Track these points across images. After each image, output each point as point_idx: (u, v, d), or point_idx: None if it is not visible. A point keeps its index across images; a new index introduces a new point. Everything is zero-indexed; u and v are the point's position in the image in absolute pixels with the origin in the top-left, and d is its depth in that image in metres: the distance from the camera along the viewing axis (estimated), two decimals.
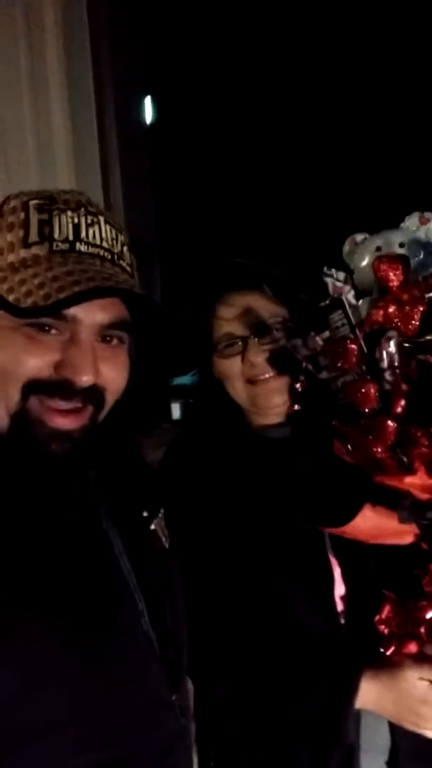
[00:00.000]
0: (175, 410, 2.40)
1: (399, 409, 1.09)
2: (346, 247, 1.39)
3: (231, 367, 1.30)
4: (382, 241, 1.33)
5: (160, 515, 1.09)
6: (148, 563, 1.00)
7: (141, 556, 1.00)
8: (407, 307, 1.15)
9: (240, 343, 1.29)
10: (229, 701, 1.11)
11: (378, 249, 1.33)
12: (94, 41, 2.05)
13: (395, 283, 1.16)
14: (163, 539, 1.08)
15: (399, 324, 1.14)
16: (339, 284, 1.21)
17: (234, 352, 1.29)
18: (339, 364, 1.08)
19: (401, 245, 1.32)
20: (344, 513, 1.10)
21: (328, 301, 1.20)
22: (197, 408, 1.44)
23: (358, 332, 1.15)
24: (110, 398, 0.96)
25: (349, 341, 1.08)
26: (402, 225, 1.35)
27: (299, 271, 1.36)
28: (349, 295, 1.20)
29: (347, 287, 1.20)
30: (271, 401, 1.29)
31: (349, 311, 1.17)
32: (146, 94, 2.63)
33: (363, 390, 1.05)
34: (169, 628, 1.01)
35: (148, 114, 2.78)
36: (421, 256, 1.33)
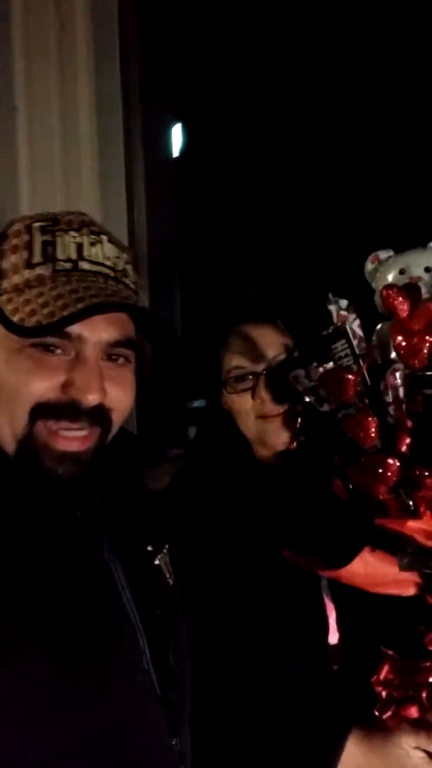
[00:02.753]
0: (192, 434, 2.35)
1: (403, 447, 1.01)
2: (369, 265, 1.31)
3: (241, 402, 1.27)
4: (406, 263, 1.26)
5: (165, 550, 1.05)
6: (151, 599, 0.96)
7: (144, 592, 0.96)
8: (416, 339, 1.07)
9: (251, 377, 1.26)
10: (206, 752, 1.02)
11: (402, 271, 1.25)
12: (124, 65, 2.05)
13: (403, 315, 1.09)
14: (167, 575, 1.04)
15: (406, 356, 1.07)
16: (343, 312, 1.14)
17: (245, 387, 1.26)
18: (337, 396, 1.00)
19: (427, 270, 1.24)
20: (341, 555, 1.02)
21: (330, 330, 1.13)
22: (203, 439, 1.40)
23: (361, 363, 1.08)
24: (117, 418, 0.94)
25: (347, 372, 1.01)
26: (430, 245, 1.27)
27: (310, 297, 1.30)
28: (354, 324, 1.13)
29: (352, 316, 1.13)
30: (281, 437, 1.25)
31: (353, 341, 1.10)
32: (175, 121, 2.63)
33: (362, 424, 0.98)
34: (172, 669, 0.96)
35: (177, 141, 2.78)
36: None
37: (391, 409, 1.03)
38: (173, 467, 1.49)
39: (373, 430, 0.97)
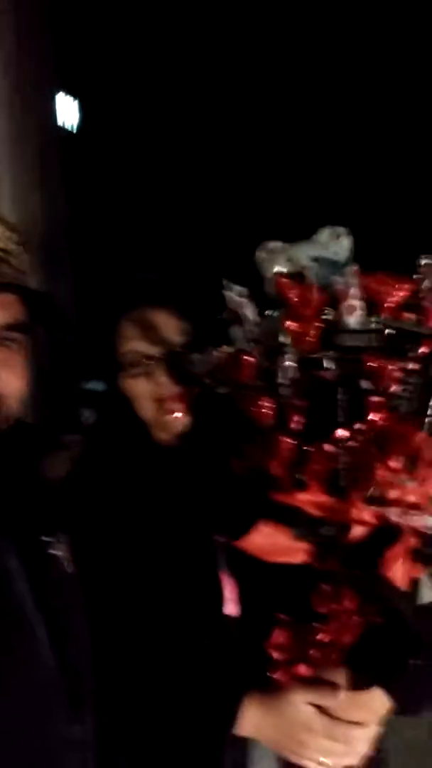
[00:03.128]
0: (86, 417, 2.32)
1: (294, 425, 1.08)
2: (260, 254, 1.37)
3: (138, 386, 1.28)
4: (294, 253, 1.33)
5: (62, 539, 1.04)
6: (47, 589, 0.95)
7: (40, 582, 0.95)
8: (305, 323, 1.14)
9: (147, 361, 1.27)
10: (109, 726, 1.05)
11: (289, 259, 1.32)
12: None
13: (293, 301, 1.15)
14: (65, 563, 1.03)
15: (296, 340, 1.13)
16: (238, 298, 1.19)
17: (140, 371, 1.28)
18: (234, 378, 1.05)
19: (315, 260, 1.32)
20: (240, 525, 1.07)
21: (224, 315, 1.18)
22: (102, 424, 1.41)
23: (255, 347, 1.13)
24: (9, 404, 0.92)
25: (245, 354, 1.06)
26: (314, 237, 1.35)
27: (206, 281, 1.34)
28: (248, 310, 1.18)
29: (245, 301, 1.19)
30: (178, 420, 1.27)
31: (247, 326, 1.15)
32: (70, 96, 2.55)
33: (258, 404, 1.03)
34: (70, 658, 0.96)
35: (73, 117, 2.69)
36: (327, 273, 1.33)
37: (283, 390, 1.10)
38: (70, 454, 1.50)
39: (268, 408, 1.03)
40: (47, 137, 2.20)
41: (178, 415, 1.26)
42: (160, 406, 1.27)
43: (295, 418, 1.07)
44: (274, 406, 1.09)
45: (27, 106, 2.04)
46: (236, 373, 1.06)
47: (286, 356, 1.11)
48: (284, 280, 1.18)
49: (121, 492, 1.26)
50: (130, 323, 1.28)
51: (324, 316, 1.16)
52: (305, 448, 1.06)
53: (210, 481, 1.16)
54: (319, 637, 1.07)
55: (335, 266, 1.31)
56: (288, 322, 1.15)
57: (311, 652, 1.07)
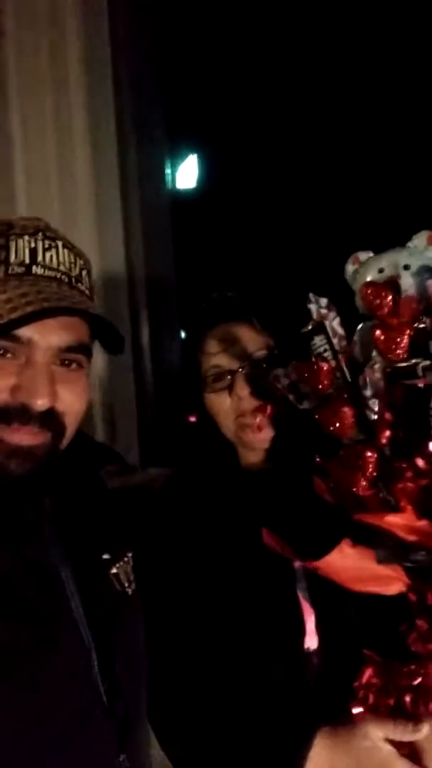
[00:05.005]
0: None
1: (383, 441, 0.99)
2: (349, 267, 1.30)
3: (219, 402, 1.26)
4: (386, 262, 1.25)
5: (125, 559, 1.03)
6: (101, 609, 0.94)
7: (95, 601, 0.94)
8: (394, 333, 1.06)
9: (228, 377, 1.25)
10: (181, 758, 0.97)
11: (380, 271, 1.25)
12: (118, 97, 2.05)
13: (383, 311, 1.08)
14: (126, 584, 1.01)
15: (385, 349, 1.06)
16: (323, 310, 1.13)
17: (222, 386, 1.25)
18: (312, 386, 0.98)
19: (406, 267, 1.24)
20: (320, 544, 0.98)
21: (310, 327, 1.12)
22: (190, 446, 1.37)
23: (340, 358, 1.07)
24: (70, 423, 0.93)
25: (320, 360, 1.00)
26: (409, 244, 1.25)
27: (290, 298, 1.30)
28: (334, 322, 1.12)
29: (332, 314, 1.12)
30: (260, 436, 1.23)
31: (332, 338, 1.09)
32: (186, 153, 2.62)
33: (338, 413, 0.96)
34: (118, 680, 0.92)
35: (193, 173, 2.77)
36: (423, 279, 1.24)
37: (371, 404, 1.02)
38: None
39: (349, 419, 0.95)
40: (156, 195, 2.26)
41: (262, 431, 1.22)
42: (241, 421, 1.23)
43: (384, 432, 0.98)
44: (360, 419, 1.01)
45: (140, 168, 2.12)
46: (315, 380, 0.99)
47: (375, 366, 1.03)
48: (372, 289, 1.11)
49: (203, 516, 1.21)
50: (209, 340, 1.27)
51: (418, 324, 1.08)
52: (396, 464, 0.97)
53: (291, 497, 1.08)
54: (413, 680, 0.94)
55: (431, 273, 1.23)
56: (377, 332, 1.07)
57: (406, 697, 0.95)
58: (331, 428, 0.97)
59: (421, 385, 0.96)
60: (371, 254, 1.25)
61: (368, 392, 1.02)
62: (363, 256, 1.25)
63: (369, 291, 1.11)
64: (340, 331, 1.13)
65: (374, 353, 1.11)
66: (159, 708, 1.04)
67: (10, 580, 0.86)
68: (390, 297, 1.09)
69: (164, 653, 1.05)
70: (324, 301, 1.15)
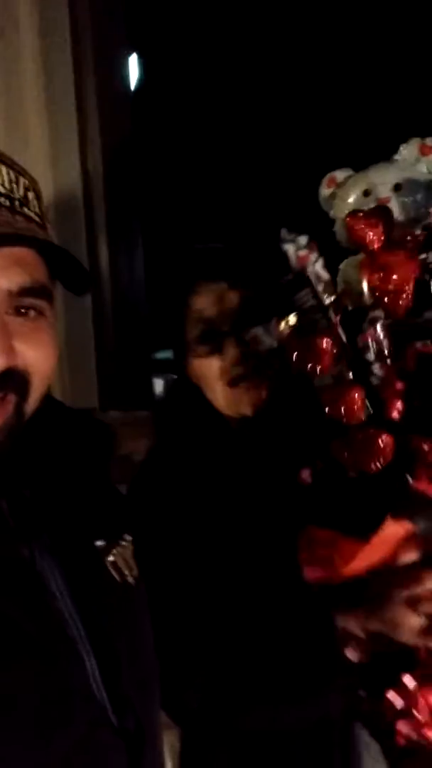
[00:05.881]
0: (158, 386, 2.20)
1: (395, 414, 0.83)
2: (324, 190, 1.09)
3: (208, 366, 1.13)
4: (371, 182, 1.03)
5: (124, 542, 0.88)
6: (97, 606, 0.80)
7: (90, 598, 0.80)
8: (394, 275, 0.87)
9: (215, 339, 1.11)
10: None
11: (366, 193, 1.03)
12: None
13: (374, 246, 0.88)
14: (126, 572, 0.87)
15: (385, 298, 0.87)
16: (302, 252, 0.93)
17: (210, 350, 1.12)
18: (311, 366, 0.81)
19: (397, 188, 1.02)
20: (368, 522, 0.86)
21: (290, 276, 0.93)
22: (172, 415, 1.26)
23: (332, 315, 0.88)
24: (37, 382, 0.77)
25: (319, 336, 0.81)
26: (396, 157, 1.05)
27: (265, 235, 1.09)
28: (317, 265, 0.92)
29: (313, 255, 0.92)
30: (252, 404, 1.10)
31: (318, 287, 0.90)
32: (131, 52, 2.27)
33: (346, 398, 0.79)
34: (126, 690, 0.79)
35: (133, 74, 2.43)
36: (419, 200, 1.03)
37: (375, 369, 0.84)
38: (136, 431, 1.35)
39: (358, 404, 0.78)
40: (117, 93, 1.95)
41: (251, 398, 1.08)
42: (234, 388, 1.11)
43: (396, 404, 0.82)
44: (364, 395, 0.84)
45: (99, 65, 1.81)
46: (315, 360, 0.81)
47: (377, 324, 0.85)
48: (359, 219, 0.91)
49: (196, 485, 1.10)
50: (197, 299, 1.13)
51: (422, 259, 0.89)
52: (415, 442, 0.81)
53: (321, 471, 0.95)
54: None
55: (427, 190, 1.01)
56: (372, 276, 0.88)
57: None
58: (336, 413, 0.80)
59: None
60: (351, 172, 1.03)
61: (371, 356, 0.85)
62: (341, 175, 1.03)
63: (355, 222, 0.91)
64: (325, 275, 0.93)
65: (366, 296, 0.93)
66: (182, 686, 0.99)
67: None
68: (381, 228, 0.89)
69: (180, 634, 0.98)
70: (303, 239, 0.94)
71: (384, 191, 0.97)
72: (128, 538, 0.89)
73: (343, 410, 0.79)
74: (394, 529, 0.87)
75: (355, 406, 0.78)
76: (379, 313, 0.85)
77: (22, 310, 0.74)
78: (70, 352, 1.76)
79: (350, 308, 0.94)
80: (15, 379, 0.74)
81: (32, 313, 0.75)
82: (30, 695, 0.71)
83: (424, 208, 0.95)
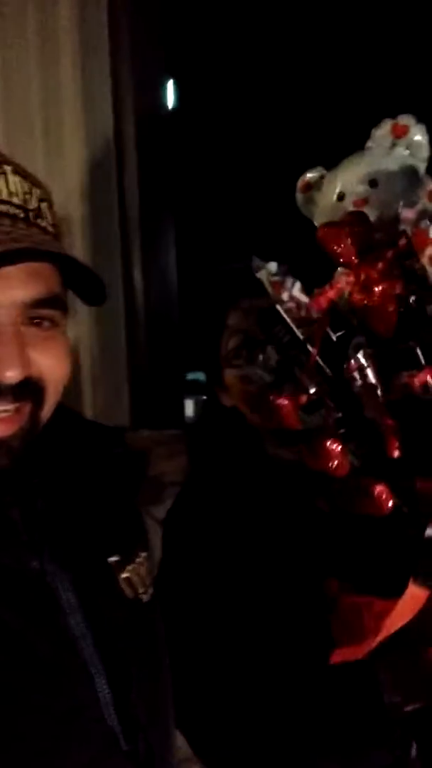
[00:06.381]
0: (189, 408, 2.18)
1: (395, 453, 0.72)
2: (299, 196, 0.99)
3: (240, 384, 1.07)
4: (343, 181, 0.91)
5: (140, 558, 0.85)
6: (110, 624, 0.77)
7: (102, 615, 0.77)
8: (376, 291, 0.76)
9: (255, 349, 1.04)
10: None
11: (340, 197, 0.91)
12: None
13: (349, 260, 0.78)
14: (141, 590, 0.84)
15: (367, 318, 0.76)
16: (275, 278, 0.83)
17: (248, 358, 1.07)
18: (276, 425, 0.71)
19: (372, 183, 0.90)
20: (395, 581, 0.78)
21: (266, 307, 0.84)
22: (207, 441, 1.22)
23: (310, 347, 0.78)
24: (51, 390, 0.77)
25: (274, 395, 0.71)
26: (369, 144, 0.93)
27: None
28: (294, 290, 0.83)
29: (288, 280, 0.83)
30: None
31: (288, 318, 0.80)
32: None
33: (327, 453, 0.69)
34: (137, 713, 0.76)
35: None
36: (400, 190, 0.90)
37: (366, 402, 0.74)
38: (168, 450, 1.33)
39: (341, 458, 0.68)
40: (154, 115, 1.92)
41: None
42: (253, 410, 1.03)
43: (393, 443, 0.72)
44: (354, 425, 0.74)
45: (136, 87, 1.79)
46: (276, 419, 0.72)
47: (359, 352, 0.74)
48: (331, 232, 0.80)
49: (233, 519, 1.05)
50: (233, 314, 1.07)
51: (406, 266, 0.78)
52: (418, 487, 0.71)
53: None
54: None
55: (409, 179, 0.88)
56: (354, 295, 0.78)
57: None
58: (322, 469, 0.70)
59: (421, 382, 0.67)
60: (323, 172, 0.91)
61: (358, 386, 0.75)
62: (312, 176, 0.92)
63: (327, 235, 0.80)
64: (304, 298, 0.83)
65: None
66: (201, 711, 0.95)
67: None
68: (356, 238, 0.78)
69: (213, 676, 0.95)
70: (273, 265, 0.85)
71: (358, 190, 0.85)
72: (143, 554, 0.86)
73: (328, 466, 0.69)
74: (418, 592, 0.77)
75: (341, 461, 0.68)
76: (359, 339, 0.74)
77: (36, 321, 0.74)
78: (102, 369, 1.75)
79: (335, 334, 0.84)
80: (30, 389, 0.73)
81: (46, 323, 0.75)
82: (38, 715, 0.69)
83: (407, 199, 0.83)
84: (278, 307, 0.78)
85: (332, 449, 0.68)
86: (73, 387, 1.57)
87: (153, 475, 1.28)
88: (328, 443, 0.68)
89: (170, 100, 2.31)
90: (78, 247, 1.67)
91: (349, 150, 0.96)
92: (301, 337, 0.78)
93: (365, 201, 0.84)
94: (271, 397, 0.71)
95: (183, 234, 2.01)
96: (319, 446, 0.68)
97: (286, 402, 0.70)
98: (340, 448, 0.68)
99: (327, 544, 0.93)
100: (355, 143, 0.96)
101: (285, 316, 0.78)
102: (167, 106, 2.01)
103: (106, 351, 1.73)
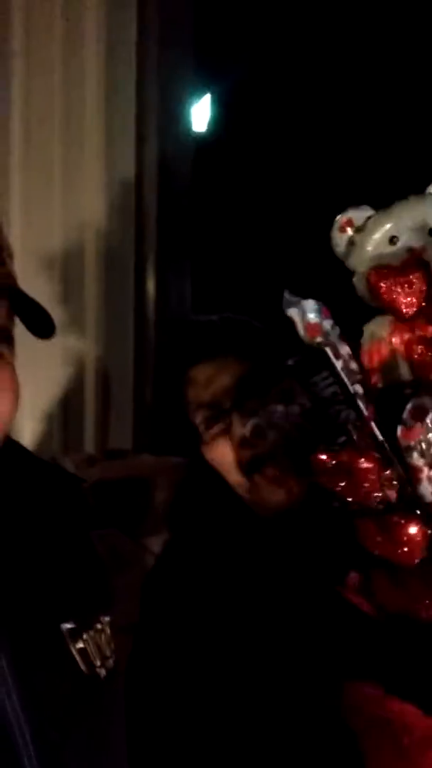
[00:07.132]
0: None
1: None
2: (338, 236, 0.89)
3: (222, 453, 1.00)
4: (397, 224, 0.83)
5: (101, 624, 0.76)
6: (51, 708, 0.69)
7: (43, 697, 0.69)
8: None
9: (223, 420, 0.99)
10: None
11: (392, 241, 0.83)
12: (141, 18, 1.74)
13: (407, 310, 0.68)
14: (97, 663, 0.74)
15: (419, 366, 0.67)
16: (312, 319, 0.72)
17: (217, 431, 0.99)
18: (350, 498, 0.59)
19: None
20: None
21: (301, 355, 0.73)
22: (188, 506, 1.15)
23: (362, 405, 0.66)
24: None
25: (358, 456, 0.59)
26: (430, 189, 0.86)
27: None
28: (334, 336, 0.72)
29: (327, 323, 0.72)
30: (275, 493, 0.96)
31: (338, 366, 0.69)
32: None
33: (401, 537, 0.56)
34: None
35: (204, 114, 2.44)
36: None
37: (424, 477, 0.63)
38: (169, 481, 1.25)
39: (421, 545, 0.56)
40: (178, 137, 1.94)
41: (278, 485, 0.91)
42: (246, 474, 0.95)
43: None
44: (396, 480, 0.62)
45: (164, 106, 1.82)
46: (346, 490, 0.59)
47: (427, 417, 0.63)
48: (386, 276, 0.70)
49: (215, 592, 0.97)
50: (188, 388, 1.02)
51: None
52: None
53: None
54: None
55: None
56: (412, 347, 0.68)
57: None
58: (383, 554, 0.58)
59: None
60: (370, 212, 0.83)
61: (416, 458, 0.63)
62: (358, 215, 0.83)
63: (383, 280, 0.71)
64: (346, 349, 0.73)
65: (404, 373, 0.72)
66: None
67: None
68: (418, 288, 0.69)
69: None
70: (310, 304, 0.74)
71: (416, 237, 0.76)
72: (105, 619, 0.77)
73: (397, 553, 0.57)
74: None
75: (417, 548, 0.56)
76: (426, 400, 0.64)
77: None
78: (105, 393, 1.75)
79: (380, 386, 0.74)
80: None
81: None
82: None
83: None
84: (329, 351, 0.67)
85: (412, 535, 0.55)
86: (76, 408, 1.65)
87: (152, 506, 1.24)
88: (411, 527, 0.55)
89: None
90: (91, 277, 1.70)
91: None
92: (353, 390, 0.67)
93: (424, 248, 0.76)
94: (354, 460, 0.58)
95: (199, 270, 2.00)
96: (397, 529, 0.56)
97: (371, 465, 0.57)
98: (422, 533, 0.56)
99: (352, 635, 0.82)
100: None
101: (336, 364, 0.67)
102: (191, 146, 2.00)
103: (113, 365, 1.73)
